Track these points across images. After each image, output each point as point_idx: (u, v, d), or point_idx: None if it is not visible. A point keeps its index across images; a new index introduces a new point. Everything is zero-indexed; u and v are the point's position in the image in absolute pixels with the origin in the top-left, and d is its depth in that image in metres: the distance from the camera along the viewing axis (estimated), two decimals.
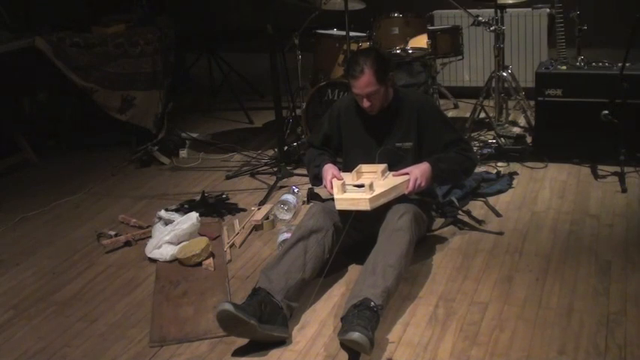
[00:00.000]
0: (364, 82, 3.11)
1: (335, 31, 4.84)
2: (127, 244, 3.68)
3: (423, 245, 3.34)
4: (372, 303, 2.64)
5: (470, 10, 4.72)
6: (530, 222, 3.58)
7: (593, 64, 4.27)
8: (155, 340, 2.84)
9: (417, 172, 3.14)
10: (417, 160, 3.24)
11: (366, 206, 3.01)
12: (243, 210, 4.00)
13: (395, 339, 2.71)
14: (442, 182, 3.57)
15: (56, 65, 4.76)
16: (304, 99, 4.71)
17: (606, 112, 3.99)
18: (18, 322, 3.07)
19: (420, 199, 3.26)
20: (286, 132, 4.78)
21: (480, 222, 3.59)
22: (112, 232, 3.76)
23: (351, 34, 4.55)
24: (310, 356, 2.66)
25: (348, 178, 3.20)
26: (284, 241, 3.32)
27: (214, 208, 4.00)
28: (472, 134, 4.76)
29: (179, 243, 3.49)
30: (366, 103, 3.18)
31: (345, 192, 3.12)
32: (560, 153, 4.26)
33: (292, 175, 4.34)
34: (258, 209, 3.91)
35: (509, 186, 4.00)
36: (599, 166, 4.10)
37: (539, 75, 4.28)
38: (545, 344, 2.60)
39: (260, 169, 4.57)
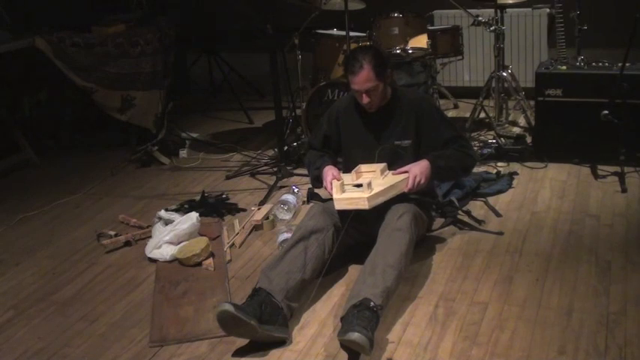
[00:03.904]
0: (363, 78, 3.11)
1: (335, 31, 4.85)
2: (127, 244, 3.68)
3: (423, 245, 3.34)
4: (372, 303, 2.63)
5: (470, 10, 4.72)
6: (530, 222, 3.58)
7: (593, 64, 4.27)
8: (155, 340, 2.84)
9: (417, 170, 3.14)
10: (416, 158, 3.24)
11: (364, 205, 3.00)
12: (243, 210, 4.00)
13: (395, 339, 2.71)
14: (441, 180, 3.57)
15: (56, 65, 4.76)
16: (304, 99, 4.71)
17: (606, 112, 3.99)
18: (18, 322, 3.07)
19: (420, 199, 3.25)
20: (286, 132, 4.78)
21: (479, 222, 3.59)
22: (112, 232, 3.76)
23: (351, 34, 4.55)
24: (310, 356, 2.66)
25: (348, 178, 3.20)
26: (284, 241, 3.32)
27: (214, 208, 3.99)
28: (472, 134, 4.76)
29: (179, 243, 3.49)
30: (365, 100, 3.18)
31: (343, 192, 3.12)
32: (560, 153, 4.26)
33: (292, 175, 4.34)
34: (258, 209, 3.91)
35: (509, 186, 3.99)
36: (599, 166, 4.10)
37: (539, 75, 4.28)
38: (545, 344, 2.60)
39: (260, 169, 4.57)
